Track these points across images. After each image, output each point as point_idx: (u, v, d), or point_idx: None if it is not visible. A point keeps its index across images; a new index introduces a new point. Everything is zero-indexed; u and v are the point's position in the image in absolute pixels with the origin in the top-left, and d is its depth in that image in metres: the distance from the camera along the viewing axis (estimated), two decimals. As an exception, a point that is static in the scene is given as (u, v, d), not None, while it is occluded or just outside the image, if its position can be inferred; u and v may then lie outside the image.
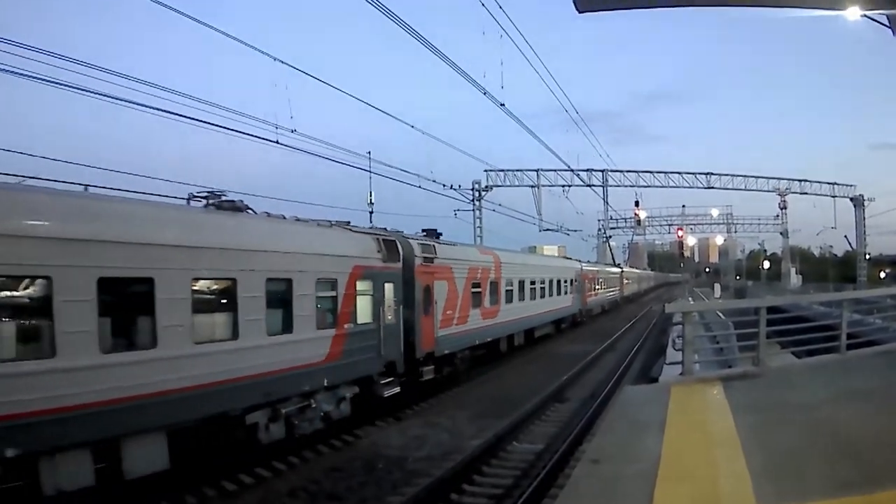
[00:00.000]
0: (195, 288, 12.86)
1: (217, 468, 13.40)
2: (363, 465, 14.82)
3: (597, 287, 58.31)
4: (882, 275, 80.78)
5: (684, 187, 61.55)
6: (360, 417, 17.82)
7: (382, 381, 19.02)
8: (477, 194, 53.92)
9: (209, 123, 18.75)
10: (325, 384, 16.46)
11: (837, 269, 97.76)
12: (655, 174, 60.39)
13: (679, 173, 60.86)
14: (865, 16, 13.68)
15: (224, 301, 13.64)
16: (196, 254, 12.89)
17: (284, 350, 14.97)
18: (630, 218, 69.90)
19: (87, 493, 10.58)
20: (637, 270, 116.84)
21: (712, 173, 61.18)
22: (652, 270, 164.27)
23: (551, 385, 23.09)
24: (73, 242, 10.57)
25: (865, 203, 64.15)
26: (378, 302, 19.07)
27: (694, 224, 77.96)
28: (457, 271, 25.20)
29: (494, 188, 55.64)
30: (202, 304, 13.04)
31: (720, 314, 24.65)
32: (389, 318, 19.63)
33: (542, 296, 37.87)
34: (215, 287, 13.64)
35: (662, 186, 60.77)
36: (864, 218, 64.81)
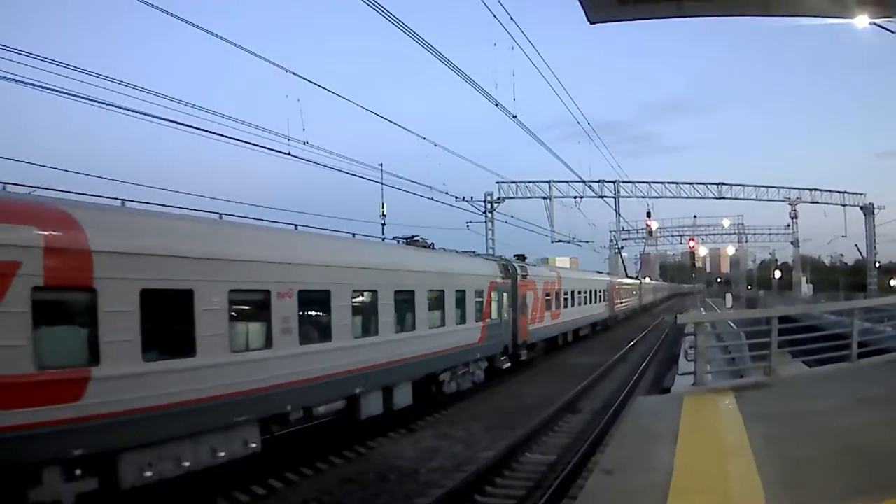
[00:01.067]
0: (427, 295, 21.35)
1: (231, 480, 13.43)
2: (376, 476, 14.84)
3: (622, 297, 68.49)
4: (893, 283, 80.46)
5: (695, 198, 61.36)
6: (373, 429, 17.89)
7: (501, 358, 28.22)
8: (489, 206, 53.88)
9: (221, 135, 18.85)
10: (478, 357, 25.43)
11: (848, 278, 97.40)
12: (667, 185, 60.23)
13: (690, 184, 60.68)
14: (874, 23, 13.71)
15: (439, 303, 22.29)
16: (423, 276, 21.33)
17: (462, 334, 23.73)
18: (642, 229, 69.77)
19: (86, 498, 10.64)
20: (652, 282, 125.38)
21: (723, 183, 60.99)
22: (664, 281, 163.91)
23: (564, 396, 23.07)
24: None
25: (875, 211, 63.92)
26: (500, 305, 28.11)
27: (705, 234, 77.87)
28: (538, 285, 34.59)
29: (506, 200, 55.59)
30: (432, 305, 21.78)
31: (732, 324, 24.61)
32: (506, 316, 28.79)
33: (586, 303, 47.44)
34: (437, 296, 22.14)
35: (674, 197, 60.59)
36: (874, 226, 64.54)
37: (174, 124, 17.39)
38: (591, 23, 12.85)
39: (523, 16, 21.56)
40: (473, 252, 30.11)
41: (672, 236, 78.25)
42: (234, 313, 13.04)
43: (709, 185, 60.81)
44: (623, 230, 71.94)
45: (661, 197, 60.46)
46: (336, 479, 14.65)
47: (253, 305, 13.91)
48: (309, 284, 15.24)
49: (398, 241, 24.82)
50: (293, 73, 19.93)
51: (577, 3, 12.12)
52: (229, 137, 19.12)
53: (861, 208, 64.25)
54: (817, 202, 64.85)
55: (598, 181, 57.81)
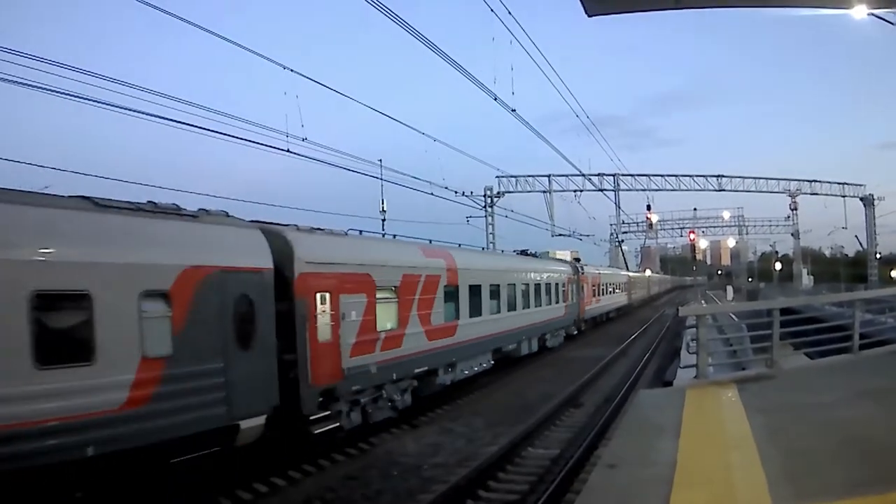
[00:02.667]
0: (539, 287, 33.51)
1: (234, 477, 13.43)
2: (379, 472, 14.81)
3: (637, 288, 79.13)
4: (893, 274, 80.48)
5: (695, 190, 61.43)
6: (375, 427, 17.86)
7: (572, 328, 42.09)
8: (489, 200, 53.86)
9: (221, 133, 18.87)
10: (562, 326, 38.64)
11: (849, 270, 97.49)
12: (667, 178, 60.31)
13: (690, 176, 60.78)
14: (872, 14, 13.67)
15: (545, 291, 34.34)
16: (537, 274, 33.87)
17: (555, 311, 36.64)
18: (642, 222, 69.89)
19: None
20: (658, 275, 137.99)
21: (723, 176, 61.14)
22: (665, 274, 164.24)
23: (566, 390, 23.06)
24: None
25: (875, 202, 63.96)
26: (572, 293, 41.22)
27: (706, 227, 78.10)
28: (589, 279, 47.58)
29: (506, 194, 55.59)
30: (541, 293, 33.77)
31: (733, 316, 24.59)
32: (573, 300, 41.57)
33: (614, 293, 59.93)
34: (544, 287, 34.28)
35: (674, 190, 60.68)
36: (875, 217, 64.59)
37: (174, 123, 17.42)
38: (590, 15, 12.74)
39: (521, 10, 21.55)
40: (547, 253, 46.93)
41: (672, 229, 78.61)
42: (467, 295, 24.08)
43: (708, 178, 60.97)
44: (623, 223, 72.15)
45: (660, 190, 60.60)
46: (338, 476, 14.63)
47: (471, 292, 24.44)
48: (490, 281, 26.71)
49: (515, 253, 38.77)
50: (291, 70, 19.95)
51: (575, -5, 12.07)
52: (228, 135, 19.17)
53: (861, 199, 64.38)
54: (817, 194, 65.02)
55: (598, 175, 57.94)
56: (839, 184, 64.55)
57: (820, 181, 64.77)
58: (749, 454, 7.57)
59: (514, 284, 29.76)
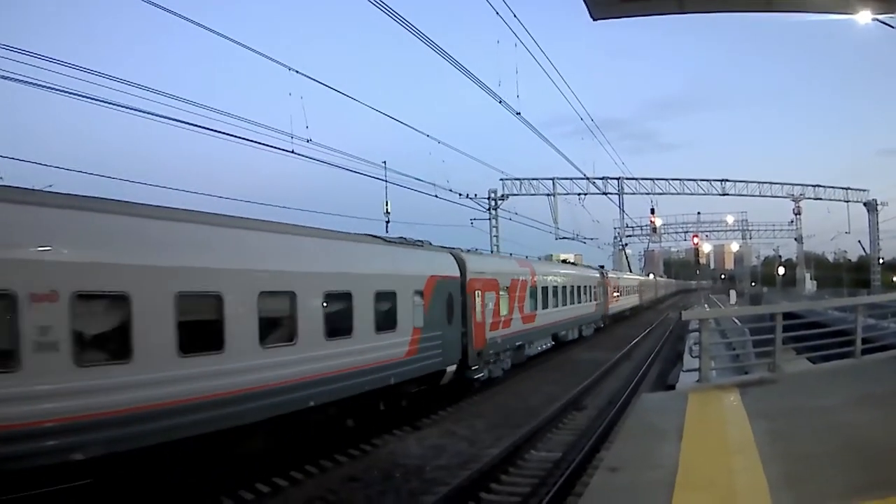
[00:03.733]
0: (573, 288, 40.77)
1: (235, 478, 13.45)
2: (381, 474, 14.82)
3: (646, 290, 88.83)
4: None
5: (699, 194, 61.35)
6: (378, 426, 17.95)
7: (600, 322, 50.50)
8: (493, 203, 53.87)
9: (226, 133, 18.89)
10: (591, 321, 46.71)
11: (852, 274, 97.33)
12: (671, 181, 60.24)
13: (694, 180, 60.69)
14: (876, 19, 13.70)
15: (579, 292, 42.24)
16: (575, 278, 42.53)
17: (588, 308, 44.95)
18: (646, 225, 69.74)
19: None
20: (663, 279, 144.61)
21: (727, 180, 60.99)
22: (668, 278, 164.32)
23: (569, 393, 23.06)
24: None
25: (879, 207, 63.93)
26: (598, 292, 49.24)
27: (709, 231, 77.90)
28: (612, 282, 57.09)
29: (510, 197, 55.59)
30: (576, 293, 41.27)
31: (736, 321, 24.59)
32: (601, 300, 50.58)
33: (629, 294, 69.92)
34: (579, 288, 42.04)
35: (678, 193, 60.60)
36: (878, 222, 64.58)
37: (178, 122, 17.44)
38: (595, 19, 12.81)
39: (526, 12, 21.54)
40: (551, 256, 52.37)
41: (676, 233, 78.53)
42: (540, 294, 32.88)
43: (712, 182, 60.86)
44: (627, 227, 71.88)
45: (664, 193, 60.51)
46: (341, 478, 14.64)
47: (542, 292, 33.31)
48: (553, 284, 35.72)
49: (561, 261, 50.85)
50: (296, 71, 19.97)
51: (581, -1, 12.10)
52: (233, 135, 19.17)
53: (864, 204, 64.33)
54: (821, 199, 64.96)
55: (602, 178, 57.85)
56: (843, 189, 64.59)
57: (824, 186, 64.83)
58: (751, 458, 7.59)
59: (566, 287, 38.52)
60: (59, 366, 9.74)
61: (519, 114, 26.05)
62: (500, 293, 26.85)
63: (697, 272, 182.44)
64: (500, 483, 14.21)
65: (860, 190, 64.70)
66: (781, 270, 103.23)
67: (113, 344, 10.68)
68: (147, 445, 10.87)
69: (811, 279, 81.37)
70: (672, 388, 16.60)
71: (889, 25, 14.19)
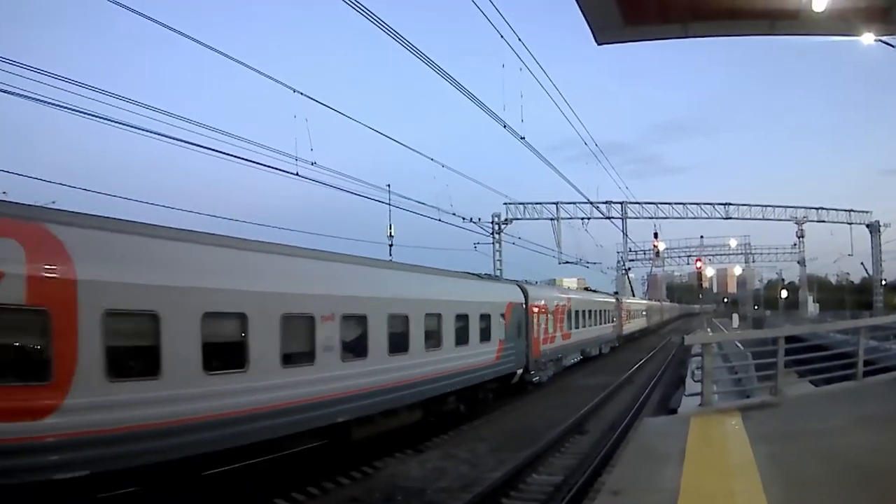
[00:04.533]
0: (596, 311, 47.04)
1: (237, 500, 13.43)
2: (382, 496, 14.80)
3: (654, 314, 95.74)
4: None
5: (702, 218, 61.71)
6: (379, 449, 17.93)
7: (615, 343, 55.20)
8: (497, 227, 53.97)
9: (231, 154, 18.96)
10: (608, 341, 52.22)
11: (854, 296, 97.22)
12: (674, 205, 60.50)
13: (697, 204, 60.96)
14: (879, 40, 13.79)
15: (599, 316, 48.32)
16: (594, 304, 47.58)
17: (606, 329, 51.27)
18: (649, 249, 69.87)
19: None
20: (668, 303, 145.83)
21: (730, 203, 61.25)
22: (671, 302, 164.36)
23: (571, 417, 23.00)
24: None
25: (881, 229, 64.00)
26: (615, 316, 55.58)
27: (712, 254, 78.06)
28: (625, 306, 61.97)
29: (514, 221, 55.71)
30: (599, 317, 48.05)
31: (738, 344, 24.57)
32: (616, 322, 55.64)
33: (640, 317, 75.08)
34: (598, 312, 48.09)
35: (681, 217, 60.87)
36: (881, 244, 64.64)
37: (185, 143, 17.53)
38: (599, 44, 12.93)
39: (531, 37, 21.65)
40: (554, 281, 53.54)
41: (679, 257, 78.66)
42: (574, 316, 39.40)
43: (715, 206, 61.10)
44: (630, 251, 72.11)
45: (668, 218, 60.79)
46: (342, 499, 14.63)
47: (575, 315, 39.48)
48: (582, 308, 41.80)
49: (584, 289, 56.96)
50: (301, 94, 20.07)
51: (585, 24, 12.21)
52: (239, 157, 19.25)
53: (867, 226, 64.42)
54: (823, 221, 65.16)
55: (606, 202, 58.10)
56: (846, 211, 64.79)
57: (826, 209, 65.06)
58: (752, 482, 7.59)
59: (590, 311, 44.60)
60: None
61: (523, 138, 26.11)
62: (549, 316, 33.66)
63: (700, 296, 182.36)
64: (502, 507, 14.19)
65: (863, 212, 65.01)
66: (784, 293, 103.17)
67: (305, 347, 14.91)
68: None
69: (814, 302, 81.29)
70: (674, 412, 16.59)
71: (892, 46, 14.29)
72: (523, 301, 29.32)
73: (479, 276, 28.89)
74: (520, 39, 20.13)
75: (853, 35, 13.54)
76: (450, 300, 22.19)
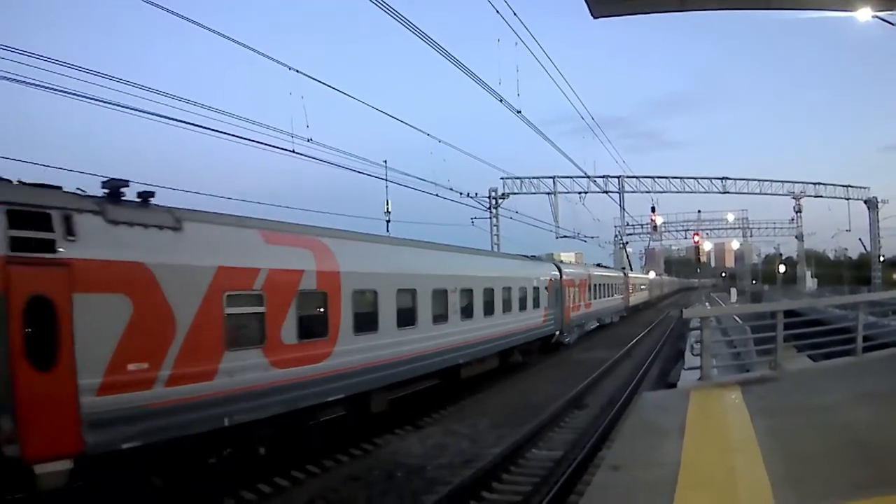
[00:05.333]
0: (609, 285, 53.30)
1: (238, 478, 13.47)
2: (382, 473, 14.83)
3: (655, 287, 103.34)
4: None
5: (700, 192, 61.33)
6: (379, 426, 18.02)
7: (624, 313, 62.81)
8: (493, 202, 53.88)
9: (226, 133, 18.86)
10: (619, 311, 59.12)
11: (852, 272, 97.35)
12: (671, 180, 60.25)
13: (695, 178, 60.71)
14: (876, 16, 13.71)
15: (611, 288, 54.36)
16: (607, 277, 54.26)
17: (617, 300, 57.24)
18: (646, 224, 69.68)
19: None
20: (668, 277, 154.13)
21: (727, 178, 60.99)
22: (669, 276, 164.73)
23: (570, 392, 23.06)
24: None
25: (879, 205, 63.94)
26: (624, 289, 62.13)
27: (710, 229, 77.81)
28: (631, 280, 68.00)
29: (511, 196, 55.60)
30: (611, 289, 54.57)
31: (737, 318, 24.61)
32: (626, 294, 63.25)
33: (643, 290, 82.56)
34: (610, 285, 53.92)
35: (678, 192, 60.59)
36: (878, 220, 64.59)
37: (179, 123, 17.41)
38: (595, 17, 12.79)
39: (527, 11, 21.53)
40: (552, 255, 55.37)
41: (677, 231, 78.35)
42: (592, 289, 45.83)
43: (713, 180, 60.87)
44: (628, 225, 71.85)
45: (665, 192, 60.53)
46: (342, 477, 14.66)
47: (594, 287, 46.46)
48: (597, 283, 48.00)
49: (595, 265, 59.58)
50: (297, 71, 19.98)
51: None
52: (233, 135, 19.15)
53: (865, 202, 64.34)
54: (821, 196, 64.95)
55: (603, 177, 57.89)
56: (843, 186, 64.59)
57: (824, 184, 64.80)
58: (752, 456, 7.60)
59: (606, 284, 51.17)
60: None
61: (520, 112, 26.04)
62: (576, 289, 40.20)
63: (698, 270, 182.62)
64: (502, 482, 14.23)
65: (861, 187, 64.81)
66: (782, 268, 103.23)
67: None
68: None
69: (812, 277, 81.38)
70: (673, 386, 16.61)
71: (889, 23, 14.21)
72: (558, 276, 35.85)
73: (530, 257, 36.77)
74: (515, 14, 20.06)
75: (850, 10, 13.44)
76: (517, 276, 29.71)
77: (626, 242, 78.67)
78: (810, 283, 77.88)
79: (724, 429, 9.30)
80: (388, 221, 35.63)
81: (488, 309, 25.14)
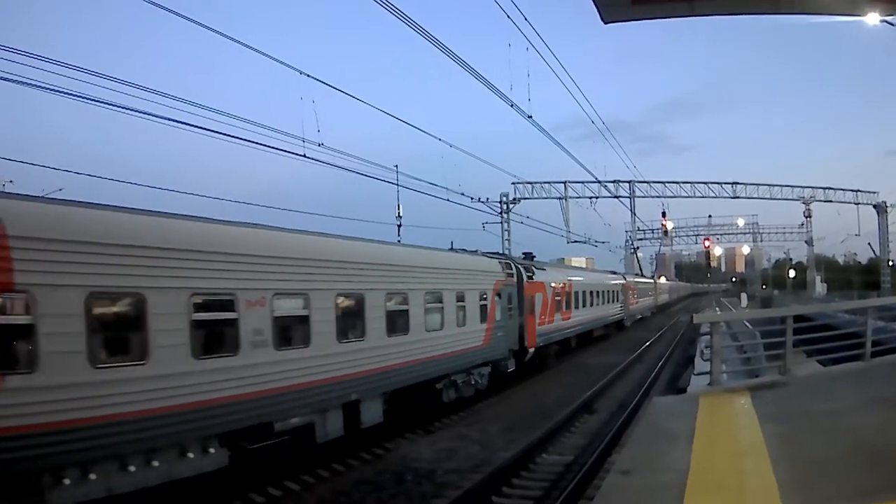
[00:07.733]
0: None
1: (247, 481, 13.53)
2: (392, 477, 14.89)
3: (666, 292, 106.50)
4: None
5: (710, 197, 61.32)
6: (390, 431, 18.00)
7: (647, 313, 74.02)
8: (505, 207, 53.89)
9: (237, 137, 18.95)
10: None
11: (862, 277, 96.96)
12: (682, 184, 60.14)
13: (705, 183, 60.62)
14: (885, 21, 13.70)
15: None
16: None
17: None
18: (657, 229, 69.54)
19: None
20: (679, 283, 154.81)
21: (738, 183, 60.88)
22: (679, 280, 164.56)
23: (580, 397, 23.07)
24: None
25: (888, 209, 63.67)
26: (653, 293, 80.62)
27: (720, 234, 77.73)
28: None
29: (522, 200, 55.57)
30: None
31: (747, 323, 24.59)
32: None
33: (661, 294, 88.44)
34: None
35: (689, 197, 60.50)
36: (887, 224, 64.29)
37: (190, 127, 17.50)
38: (606, 22, 12.83)
39: (537, 16, 21.57)
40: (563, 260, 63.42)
41: (687, 236, 78.28)
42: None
43: (723, 185, 60.78)
44: (638, 230, 71.73)
45: (675, 197, 60.43)
46: (352, 481, 14.73)
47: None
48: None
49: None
50: (308, 76, 20.07)
51: (592, 3, 12.15)
52: (245, 140, 19.25)
53: (874, 207, 64.06)
54: (831, 201, 64.73)
55: (614, 181, 57.86)
56: (853, 191, 64.33)
57: (833, 188, 64.59)
58: (761, 461, 7.63)
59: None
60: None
61: (531, 117, 26.09)
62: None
63: (709, 275, 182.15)
64: (512, 486, 14.25)
65: (870, 192, 64.50)
66: (792, 273, 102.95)
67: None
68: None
69: (821, 282, 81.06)
70: (683, 391, 16.62)
71: (896, 26, 14.19)
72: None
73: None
74: (526, 19, 20.11)
75: (858, 15, 13.43)
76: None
77: (637, 247, 78.60)
78: (820, 287, 77.51)
79: (733, 434, 9.32)
80: (399, 226, 35.74)
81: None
